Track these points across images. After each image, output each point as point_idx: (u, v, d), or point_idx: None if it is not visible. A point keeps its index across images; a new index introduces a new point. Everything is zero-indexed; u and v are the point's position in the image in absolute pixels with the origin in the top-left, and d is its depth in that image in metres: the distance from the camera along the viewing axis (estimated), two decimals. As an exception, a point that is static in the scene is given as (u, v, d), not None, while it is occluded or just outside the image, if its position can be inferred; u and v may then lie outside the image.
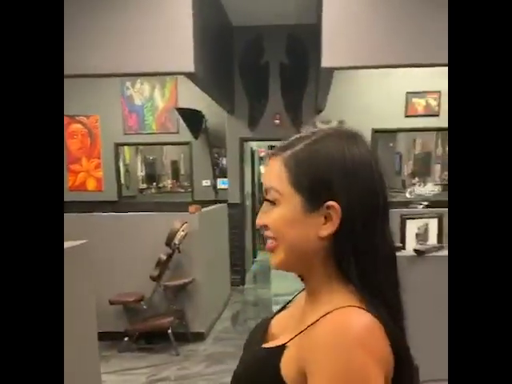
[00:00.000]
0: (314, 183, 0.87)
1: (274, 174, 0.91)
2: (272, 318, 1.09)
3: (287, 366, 0.85)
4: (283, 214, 0.89)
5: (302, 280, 0.99)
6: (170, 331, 4.49)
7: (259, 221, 0.94)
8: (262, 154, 9.24)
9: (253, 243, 8.55)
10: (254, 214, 8.87)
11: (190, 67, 4.02)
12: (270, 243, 0.93)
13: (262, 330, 1.05)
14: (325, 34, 3.99)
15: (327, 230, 0.86)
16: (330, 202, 0.85)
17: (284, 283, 7.41)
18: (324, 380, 0.77)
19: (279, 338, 0.93)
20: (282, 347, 0.88)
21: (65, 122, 6.84)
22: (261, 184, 9.30)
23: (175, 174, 7.59)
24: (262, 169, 9.34)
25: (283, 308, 1.10)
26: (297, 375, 0.83)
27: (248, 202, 7.72)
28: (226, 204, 6.60)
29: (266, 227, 0.92)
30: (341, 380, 0.76)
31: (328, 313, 0.82)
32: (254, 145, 8.38)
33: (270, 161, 0.93)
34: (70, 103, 6.54)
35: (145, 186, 7.62)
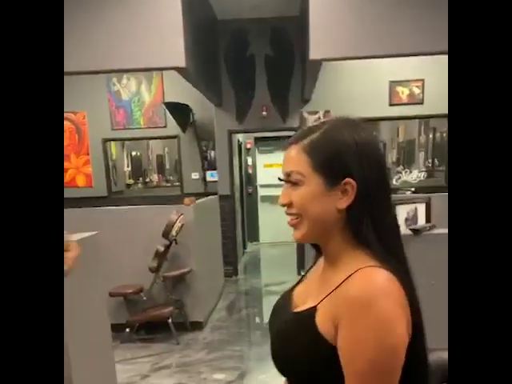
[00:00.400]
0: (332, 164, 1.02)
1: (294, 159, 1.05)
2: (291, 291, 1.21)
3: (323, 324, 0.98)
4: (306, 193, 1.03)
5: (319, 251, 1.16)
6: (170, 321, 4.58)
7: (283, 199, 1.08)
8: (249, 146, 9.33)
9: (242, 235, 8.66)
10: (244, 206, 8.97)
11: (181, 62, 4.08)
12: (292, 219, 1.08)
13: (286, 302, 1.17)
14: (312, 26, 4.08)
15: (345, 202, 1.02)
16: (347, 179, 1.01)
17: (273, 273, 7.58)
18: (361, 328, 0.92)
19: (307, 303, 1.06)
20: (314, 309, 1.02)
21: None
22: (248, 176, 9.40)
23: (161, 169, 7.64)
24: (250, 160, 9.43)
25: (299, 282, 1.23)
26: (334, 331, 0.96)
27: (237, 194, 7.82)
28: (217, 196, 6.68)
29: (289, 205, 1.07)
30: (374, 325, 0.91)
31: (352, 273, 0.97)
32: (240, 137, 8.46)
33: (289, 149, 1.07)
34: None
35: (132, 181, 7.65)
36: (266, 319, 5.10)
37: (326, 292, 1.02)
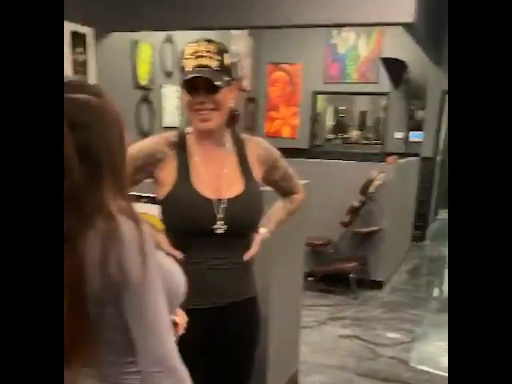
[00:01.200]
0: None
1: None
2: None
3: None
4: None
5: None
6: (351, 276, 4.79)
7: None
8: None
9: (436, 200, 8.40)
10: (445, 170, 8.64)
11: (410, 17, 3.90)
12: None
13: None
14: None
15: None
16: None
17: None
18: None
19: None
20: None
21: (269, 69, 7.26)
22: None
23: (362, 125, 7.66)
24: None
25: None
26: None
27: (439, 158, 7.57)
28: (418, 158, 6.58)
29: None
30: None
31: None
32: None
33: None
34: (275, 51, 6.93)
35: (332, 136, 7.79)
36: (446, 290, 5.05)
37: None
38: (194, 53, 1.63)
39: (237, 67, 6.38)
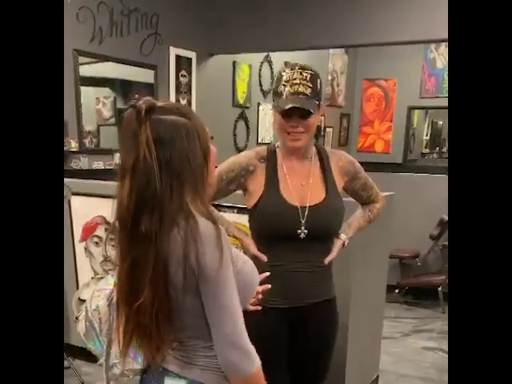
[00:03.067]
0: None
1: None
2: None
3: None
4: None
5: None
6: (439, 289, 4.78)
7: None
8: None
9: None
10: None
11: None
12: None
13: None
14: None
15: None
16: None
17: None
18: None
19: None
20: None
21: (364, 85, 7.34)
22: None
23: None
24: None
25: None
26: None
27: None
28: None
29: None
30: None
31: None
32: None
33: None
34: (370, 67, 7.01)
35: (427, 150, 7.62)
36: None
37: None
38: (289, 80, 1.80)
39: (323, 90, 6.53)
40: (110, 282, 2.51)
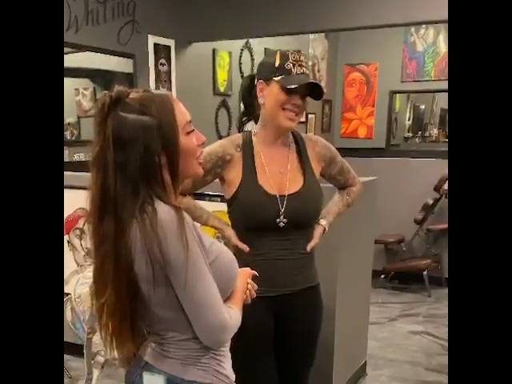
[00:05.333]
0: None
1: None
2: None
3: None
4: None
5: None
6: (425, 273, 4.81)
7: None
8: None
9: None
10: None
11: None
12: None
13: None
14: None
15: None
16: None
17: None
18: None
19: None
20: None
21: (345, 71, 7.31)
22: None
23: (443, 123, 7.47)
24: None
25: None
26: None
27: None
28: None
29: None
30: None
31: None
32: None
33: None
34: (351, 52, 6.99)
35: (410, 134, 7.64)
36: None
37: None
38: (297, 60, 1.82)
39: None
40: (90, 271, 2.49)
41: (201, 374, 1.25)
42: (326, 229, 1.98)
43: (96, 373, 2.64)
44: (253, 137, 1.93)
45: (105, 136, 1.15)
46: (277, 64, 1.83)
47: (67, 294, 2.71)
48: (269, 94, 1.84)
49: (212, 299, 1.19)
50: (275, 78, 1.81)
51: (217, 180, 1.94)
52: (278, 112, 1.83)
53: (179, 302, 1.18)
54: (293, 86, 1.78)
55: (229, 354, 1.34)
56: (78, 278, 2.48)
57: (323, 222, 1.97)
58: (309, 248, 1.91)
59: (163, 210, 1.16)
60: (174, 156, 1.22)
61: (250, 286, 1.41)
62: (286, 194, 1.85)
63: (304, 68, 1.82)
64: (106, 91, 1.18)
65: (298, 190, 1.88)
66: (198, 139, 1.28)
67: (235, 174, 1.88)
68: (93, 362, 2.66)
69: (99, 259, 1.20)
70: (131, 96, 1.21)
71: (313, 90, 1.85)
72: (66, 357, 3.32)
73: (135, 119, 1.17)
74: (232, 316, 1.24)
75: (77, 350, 3.06)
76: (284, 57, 1.83)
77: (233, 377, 1.34)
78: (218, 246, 1.32)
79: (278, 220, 1.83)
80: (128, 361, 1.31)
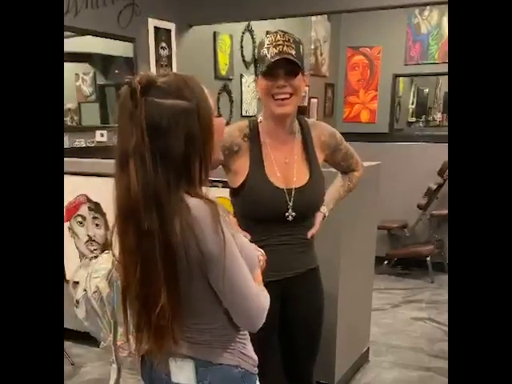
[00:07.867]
0: None
1: None
2: None
3: None
4: None
5: None
6: (428, 259, 4.79)
7: None
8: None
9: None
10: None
11: None
12: None
13: None
14: None
15: None
16: None
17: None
18: None
19: None
20: None
21: (348, 54, 7.23)
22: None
23: (446, 108, 7.40)
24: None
25: None
26: None
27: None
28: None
29: None
30: None
31: None
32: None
33: None
34: (354, 35, 6.90)
35: (414, 119, 7.58)
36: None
37: None
38: (272, 42, 1.76)
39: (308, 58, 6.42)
40: (100, 262, 2.45)
41: (227, 357, 1.25)
42: (326, 215, 1.99)
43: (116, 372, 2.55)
44: (259, 124, 1.91)
45: (139, 125, 1.07)
46: (256, 55, 1.82)
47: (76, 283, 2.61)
48: (259, 87, 1.83)
49: (250, 287, 1.19)
50: (258, 69, 1.80)
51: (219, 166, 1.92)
52: (268, 102, 1.81)
53: (214, 294, 1.17)
54: (264, 70, 1.74)
55: (249, 338, 1.34)
56: (89, 273, 2.42)
57: (324, 208, 1.97)
58: (309, 235, 1.92)
59: (197, 205, 1.12)
60: (210, 141, 1.16)
61: (261, 257, 1.42)
62: (294, 188, 1.85)
63: (280, 46, 1.73)
64: (130, 77, 1.10)
65: (304, 183, 1.87)
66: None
67: (242, 165, 1.86)
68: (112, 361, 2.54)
69: (138, 257, 1.13)
70: (162, 80, 1.13)
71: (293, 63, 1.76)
72: (69, 343, 3.32)
73: (174, 104, 1.10)
74: (265, 297, 1.25)
75: (79, 336, 3.06)
76: (260, 44, 1.80)
77: (256, 358, 1.34)
78: (240, 234, 1.31)
79: (286, 214, 1.84)
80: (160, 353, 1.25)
